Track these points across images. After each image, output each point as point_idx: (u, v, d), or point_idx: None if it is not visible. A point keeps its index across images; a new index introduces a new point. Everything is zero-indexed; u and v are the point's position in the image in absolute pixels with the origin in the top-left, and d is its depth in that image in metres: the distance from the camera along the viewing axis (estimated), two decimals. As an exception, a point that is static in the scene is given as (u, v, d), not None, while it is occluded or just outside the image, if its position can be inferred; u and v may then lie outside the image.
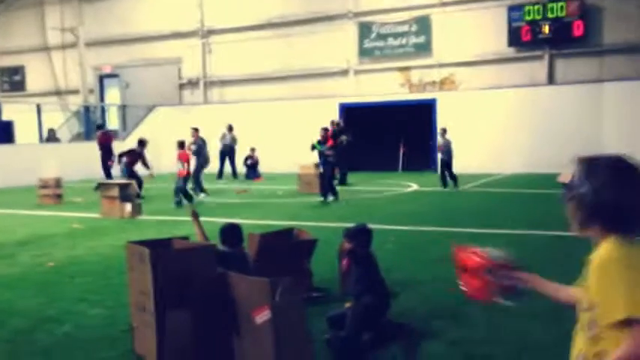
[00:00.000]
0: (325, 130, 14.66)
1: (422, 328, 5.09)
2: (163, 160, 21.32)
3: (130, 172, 15.40)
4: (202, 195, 14.98)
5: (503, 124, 19.78)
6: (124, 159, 15.61)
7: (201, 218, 5.83)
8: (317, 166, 14.51)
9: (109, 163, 18.72)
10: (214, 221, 10.68)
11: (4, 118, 22.15)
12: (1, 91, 23.09)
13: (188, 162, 13.82)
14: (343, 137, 17.43)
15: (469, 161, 19.87)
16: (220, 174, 20.29)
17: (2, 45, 24.97)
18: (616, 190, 1.94)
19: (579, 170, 2.10)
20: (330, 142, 14.34)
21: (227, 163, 20.79)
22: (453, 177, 15.42)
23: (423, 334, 4.96)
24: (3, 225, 11.39)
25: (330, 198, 13.65)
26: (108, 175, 18.97)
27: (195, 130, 16.06)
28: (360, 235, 5.09)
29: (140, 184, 15.01)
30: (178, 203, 13.42)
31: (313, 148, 14.19)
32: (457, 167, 19.77)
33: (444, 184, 15.37)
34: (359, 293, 4.89)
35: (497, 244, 8.21)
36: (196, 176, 15.37)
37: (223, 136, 20.91)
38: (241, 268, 4.58)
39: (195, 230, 5.62)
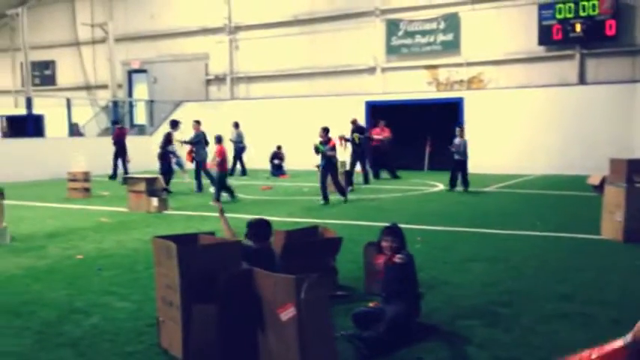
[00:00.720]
0: (325, 130, 13.77)
1: (449, 329, 5.04)
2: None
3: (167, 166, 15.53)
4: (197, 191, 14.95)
5: (532, 124, 19.53)
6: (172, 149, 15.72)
7: (226, 214, 5.85)
8: (318, 167, 13.62)
9: (127, 159, 19.15)
10: (239, 217, 10.74)
11: (35, 111, 22.48)
12: (33, 85, 23.42)
13: (225, 157, 13.78)
14: (355, 135, 17.42)
15: (497, 161, 19.69)
16: (232, 171, 20.32)
17: (34, 40, 25.32)
18: None
19: None
20: (332, 143, 13.61)
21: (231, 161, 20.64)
22: (466, 180, 14.76)
23: (450, 335, 4.91)
24: (33, 217, 11.57)
25: (322, 202, 13.00)
26: (115, 170, 19.27)
27: (197, 122, 16.06)
28: (397, 235, 5.08)
29: (169, 177, 15.16)
30: (217, 199, 13.38)
31: (317, 150, 13.52)
32: (485, 167, 19.70)
33: (453, 185, 14.82)
34: (394, 294, 4.86)
35: (525, 246, 8.15)
36: (198, 172, 15.47)
37: (232, 135, 20.85)
38: (267, 265, 4.58)
39: (222, 226, 5.64)
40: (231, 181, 15.88)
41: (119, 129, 20.02)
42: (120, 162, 19.47)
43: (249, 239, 5.18)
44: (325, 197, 13.06)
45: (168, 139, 15.68)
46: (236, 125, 21.30)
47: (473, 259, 7.56)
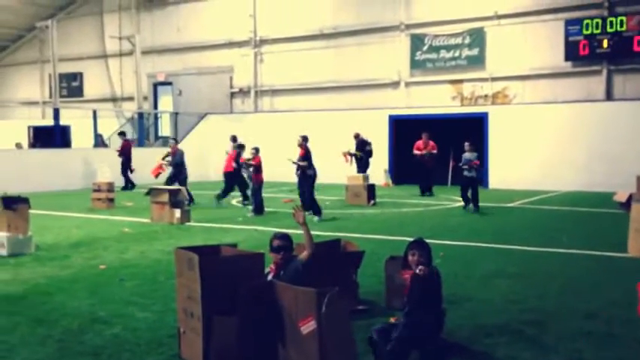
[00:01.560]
0: (256, 150, 13.77)
1: (471, 346, 4.97)
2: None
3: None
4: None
5: (558, 139, 19.30)
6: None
7: (248, 227, 5.84)
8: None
9: (131, 169, 19.49)
10: (262, 230, 10.76)
11: (62, 122, 22.84)
12: (60, 97, 23.83)
13: (261, 168, 13.76)
14: (357, 151, 17.52)
15: (521, 177, 19.49)
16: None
17: (62, 52, 25.77)
18: None
19: None
20: (302, 153, 13.37)
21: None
22: (476, 199, 13.83)
23: (473, 352, 4.84)
24: (58, 227, 11.71)
25: (315, 218, 12.56)
26: (127, 181, 19.50)
27: (174, 140, 16.00)
28: (424, 249, 5.01)
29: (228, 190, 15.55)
30: (255, 210, 13.42)
31: (354, 156, 13.59)
32: (509, 183, 19.51)
33: (467, 202, 13.99)
34: (416, 307, 4.79)
35: (550, 263, 8.01)
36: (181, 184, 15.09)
37: (229, 147, 20.72)
38: (294, 277, 4.65)
39: (305, 236, 5.42)
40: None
41: (125, 141, 20.39)
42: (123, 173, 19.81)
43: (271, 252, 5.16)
44: (318, 211, 12.83)
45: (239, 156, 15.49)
46: (234, 139, 21.20)
47: (496, 276, 7.47)
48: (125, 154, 20.04)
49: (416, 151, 18.18)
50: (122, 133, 21.64)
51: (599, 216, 13.25)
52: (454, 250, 9.06)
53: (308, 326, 3.98)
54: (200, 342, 4.39)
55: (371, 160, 19.01)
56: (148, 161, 21.86)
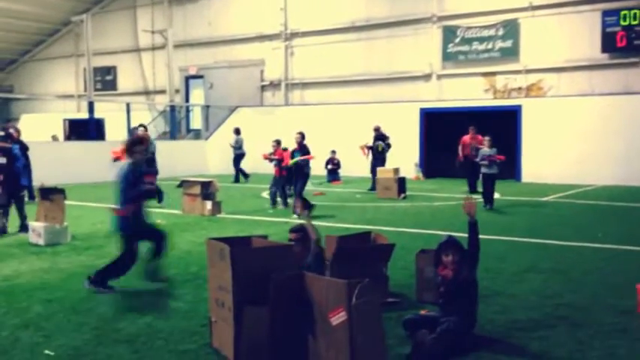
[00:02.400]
0: (278, 142, 13.41)
1: (503, 341, 4.92)
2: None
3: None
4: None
5: (594, 133, 18.93)
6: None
7: (277, 219, 5.86)
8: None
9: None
10: (290, 222, 10.79)
11: (96, 115, 23.20)
12: (94, 90, 24.23)
13: (282, 160, 13.55)
14: (379, 144, 17.08)
15: (556, 171, 19.18)
16: (236, 178, 20.23)
17: (97, 46, 26.17)
18: None
19: None
20: (280, 154, 12.98)
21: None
22: (491, 195, 13.11)
23: (504, 347, 4.79)
24: (93, 218, 11.92)
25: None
26: None
27: (143, 127, 14.23)
28: (458, 248, 5.01)
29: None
30: (283, 202, 13.37)
31: (372, 148, 13.28)
32: (543, 177, 19.20)
33: (492, 201, 13.14)
34: (453, 304, 4.78)
35: (585, 259, 7.88)
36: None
37: (232, 140, 20.64)
38: (312, 265, 4.77)
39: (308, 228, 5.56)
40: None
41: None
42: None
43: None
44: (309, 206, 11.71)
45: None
46: (237, 131, 21.16)
47: (529, 271, 7.37)
48: None
49: (461, 150, 16.81)
50: (139, 126, 21.47)
51: (636, 211, 12.98)
52: (486, 245, 8.91)
53: (338, 317, 3.98)
54: (231, 331, 4.43)
55: (387, 154, 18.52)
56: (180, 154, 22.16)
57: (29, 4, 29.05)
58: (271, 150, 13.93)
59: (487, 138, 13.56)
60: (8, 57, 34.55)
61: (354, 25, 23.78)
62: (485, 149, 13.22)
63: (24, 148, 13.81)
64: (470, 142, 16.49)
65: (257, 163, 17.72)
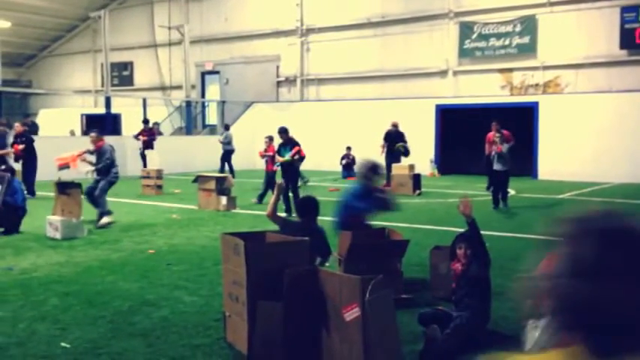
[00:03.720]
0: (271, 139, 12.66)
1: (517, 337, 4.89)
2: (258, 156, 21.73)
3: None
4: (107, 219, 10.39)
5: (611, 130, 18.72)
6: None
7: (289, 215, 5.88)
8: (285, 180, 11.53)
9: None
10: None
11: (113, 110, 23.34)
12: (111, 86, 24.37)
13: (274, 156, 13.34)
14: (400, 144, 16.74)
15: (573, 168, 19.00)
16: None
17: (114, 42, 26.31)
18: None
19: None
20: (272, 150, 12.43)
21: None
22: (506, 194, 12.58)
23: (518, 344, 4.76)
24: (109, 212, 11.99)
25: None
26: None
27: (96, 134, 11.54)
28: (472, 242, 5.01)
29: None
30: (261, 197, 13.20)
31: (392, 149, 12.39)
32: (559, 174, 19.03)
33: (498, 202, 12.52)
34: (465, 300, 4.77)
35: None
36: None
37: (221, 137, 20.36)
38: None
39: (272, 200, 5.73)
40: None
41: (150, 129, 20.50)
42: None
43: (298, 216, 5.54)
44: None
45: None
46: (226, 127, 21.07)
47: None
48: (151, 141, 19.97)
49: (487, 148, 15.57)
50: (146, 121, 21.43)
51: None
52: (502, 242, 8.92)
53: (352, 313, 3.98)
54: (245, 326, 4.45)
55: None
56: (196, 149, 22.25)
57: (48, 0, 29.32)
58: (264, 147, 13.88)
59: (499, 130, 13.24)
60: (27, 52, 34.88)
61: (370, 21, 23.71)
62: (502, 145, 12.67)
63: (28, 141, 14.04)
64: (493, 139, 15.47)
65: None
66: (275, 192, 5.72)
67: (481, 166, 16.51)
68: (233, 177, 19.38)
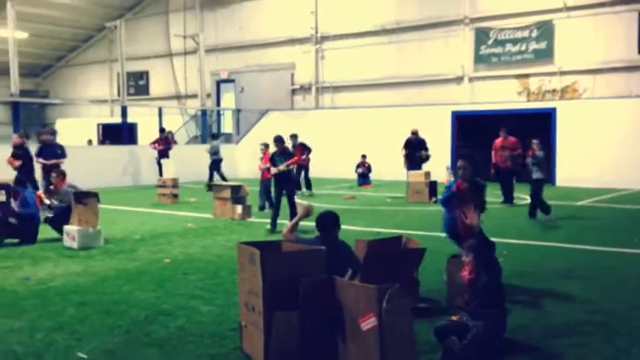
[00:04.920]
0: (267, 146, 11.87)
1: (536, 347, 4.82)
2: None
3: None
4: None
5: (630, 136, 18.48)
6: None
7: (306, 223, 5.81)
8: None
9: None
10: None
11: (129, 120, 23.52)
12: (127, 95, 24.55)
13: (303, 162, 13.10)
14: (422, 152, 16.69)
15: (591, 174, 18.78)
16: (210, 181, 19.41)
17: (130, 51, 26.55)
18: None
19: None
20: (267, 160, 11.56)
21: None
22: (545, 205, 11.93)
23: (538, 354, 4.69)
24: (126, 221, 12.05)
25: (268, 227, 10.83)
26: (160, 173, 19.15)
27: (58, 176, 10.53)
28: (490, 245, 4.95)
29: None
30: (269, 206, 13.11)
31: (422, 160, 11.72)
32: (578, 180, 18.82)
33: (537, 212, 11.91)
34: (479, 309, 4.70)
35: (622, 265, 7.67)
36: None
37: (209, 146, 20.12)
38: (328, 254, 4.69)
39: (293, 221, 5.63)
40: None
41: (165, 138, 20.57)
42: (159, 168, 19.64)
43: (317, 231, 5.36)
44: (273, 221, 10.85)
45: None
46: (213, 136, 21.05)
47: (564, 277, 7.22)
48: (166, 150, 19.98)
49: (494, 156, 15.22)
50: (162, 130, 21.55)
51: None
52: (520, 250, 8.82)
53: (368, 322, 3.94)
54: (261, 336, 4.41)
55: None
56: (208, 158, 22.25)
57: (64, 10, 29.65)
58: (260, 155, 13.77)
59: (536, 140, 12.38)
60: (44, 63, 35.29)
61: (384, 28, 23.69)
62: (539, 152, 12.13)
63: (26, 153, 13.42)
64: (501, 146, 15.11)
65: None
66: (299, 214, 5.61)
67: (487, 173, 15.99)
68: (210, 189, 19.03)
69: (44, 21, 29.68)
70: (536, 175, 11.97)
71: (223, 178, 19.37)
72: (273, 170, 11.12)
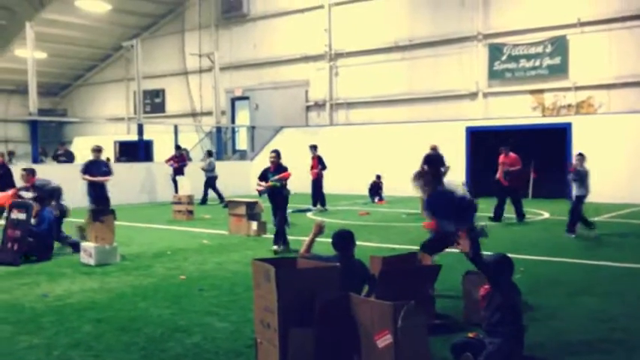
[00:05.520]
0: (277, 154, 11.17)
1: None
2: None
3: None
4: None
5: (648, 151, 18.33)
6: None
7: (321, 239, 5.82)
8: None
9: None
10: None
11: (145, 137, 23.73)
12: (143, 113, 24.80)
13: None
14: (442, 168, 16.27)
15: (608, 190, 18.57)
16: (203, 200, 19.66)
17: (146, 70, 26.86)
18: None
19: None
20: (287, 174, 10.80)
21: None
22: (587, 221, 11.77)
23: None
24: (142, 238, 12.12)
25: (280, 247, 10.47)
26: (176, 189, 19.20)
27: (31, 172, 10.66)
28: (503, 265, 4.91)
29: None
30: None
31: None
32: (593, 196, 18.56)
33: (576, 228, 11.70)
34: (496, 326, 4.67)
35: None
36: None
37: (204, 163, 20.27)
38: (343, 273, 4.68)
39: (308, 239, 5.61)
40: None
41: (180, 155, 20.73)
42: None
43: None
44: (284, 239, 10.59)
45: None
46: (209, 154, 21.13)
47: (582, 293, 7.15)
48: (181, 167, 20.11)
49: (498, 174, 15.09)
50: (178, 147, 21.75)
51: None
52: (537, 266, 8.75)
53: (384, 340, 3.94)
54: (276, 353, 4.41)
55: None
56: (226, 174, 22.42)
57: (82, 30, 30.10)
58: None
59: (579, 155, 12.14)
60: (62, 82, 35.79)
61: (398, 44, 23.79)
62: (581, 168, 11.95)
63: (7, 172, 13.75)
64: (502, 163, 14.92)
65: (303, 182, 17.67)
66: (312, 232, 5.64)
67: (489, 187, 15.61)
68: (222, 201, 19.05)
69: (63, 41, 30.14)
70: (577, 191, 11.66)
71: (220, 196, 19.41)
72: (260, 187, 10.69)
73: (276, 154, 11.12)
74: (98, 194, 13.44)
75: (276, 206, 10.77)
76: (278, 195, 10.69)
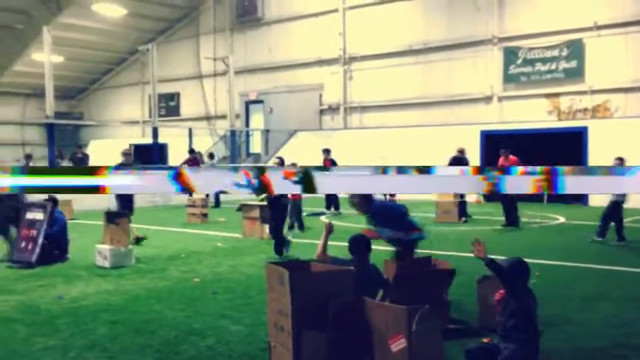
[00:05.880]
0: (281, 160, 10.76)
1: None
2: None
3: None
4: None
5: (665, 155, 18.13)
6: None
7: (334, 242, 5.83)
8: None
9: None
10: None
11: (160, 140, 23.87)
12: (158, 116, 24.97)
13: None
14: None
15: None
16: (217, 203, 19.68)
17: (161, 73, 27.03)
18: None
19: None
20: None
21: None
22: (622, 228, 11.40)
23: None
24: (157, 241, 12.17)
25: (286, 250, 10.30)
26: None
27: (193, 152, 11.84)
28: (519, 269, 4.88)
29: None
30: (299, 227, 13.24)
31: None
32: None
33: (605, 233, 11.44)
34: (511, 331, 4.63)
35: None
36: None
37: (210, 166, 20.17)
38: (358, 277, 4.71)
39: (321, 242, 5.66)
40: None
41: (194, 158, 20.80)
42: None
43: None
44: (282, 246, 10.33)
45: None
46: (211, 156, 21.10)
47: (598, 298, 7.08)
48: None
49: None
50: (192, 151, 21.92)
51: None
52: (552, 271, 8.68)
53: (398, 344, 3.92)
54: (290, 356, 4.41)
55: None
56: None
57: (99, 35, 30.36)
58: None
59: (618, 160, 11.79)
60: (79, 85, 36.09)
61: (412, 48, 23.76)
62: None
63: None
64: (501, 166, 14.18)
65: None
66: (323, 234, 5.67)
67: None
68: (217, 206, 19.14)
69: (79, 45, 30.40)
70: (615, 197, 11.35)
71: (217, 201, 19.45)
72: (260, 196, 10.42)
73: (280, 160, 11.21)
74: (125, 197, 13.52)
75: (273, 214, 10.60)
76: (276, 203, 10.56)
